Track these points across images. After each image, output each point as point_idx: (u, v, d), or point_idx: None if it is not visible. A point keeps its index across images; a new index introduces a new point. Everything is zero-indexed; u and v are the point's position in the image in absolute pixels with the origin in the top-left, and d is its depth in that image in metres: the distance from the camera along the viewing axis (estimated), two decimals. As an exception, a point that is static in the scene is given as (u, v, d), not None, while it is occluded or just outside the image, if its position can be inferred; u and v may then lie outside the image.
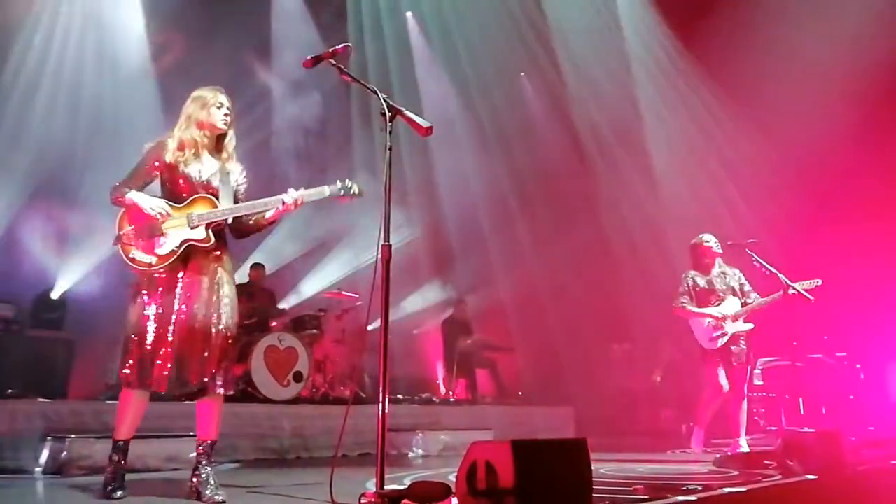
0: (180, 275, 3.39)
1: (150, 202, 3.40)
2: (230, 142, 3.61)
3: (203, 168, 3.51)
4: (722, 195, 8.72)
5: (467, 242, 10.86)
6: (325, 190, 3.48)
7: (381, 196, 3.01)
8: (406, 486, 2.85)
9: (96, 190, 7.84)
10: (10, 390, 5.56)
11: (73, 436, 4.66)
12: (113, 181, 3.49)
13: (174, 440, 4.89)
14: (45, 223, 7.77)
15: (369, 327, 5.39)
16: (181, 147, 3.48)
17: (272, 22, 9.60)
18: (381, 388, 2.80)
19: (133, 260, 3.39)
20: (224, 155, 3.59)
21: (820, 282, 5.69)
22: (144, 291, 3.38)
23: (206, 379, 3.33)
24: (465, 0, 10.28)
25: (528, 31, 10.48)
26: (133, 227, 3.40)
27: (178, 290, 3.37)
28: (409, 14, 10.68)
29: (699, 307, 5.88)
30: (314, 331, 7.66)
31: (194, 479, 3.35)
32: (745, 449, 5.69)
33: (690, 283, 5.97)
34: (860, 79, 8.20)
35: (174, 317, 3.33)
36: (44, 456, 4.60)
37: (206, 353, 3.33)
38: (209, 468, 3.37)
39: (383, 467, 2.76)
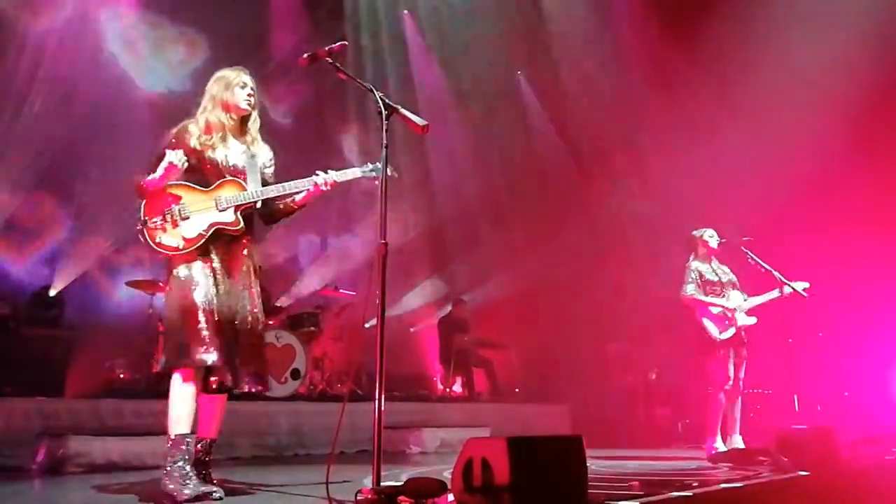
0: (209, 260, 3.29)
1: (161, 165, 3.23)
2: (254, 123, 3.53)
3: (229, 153, 3.42)
4: (716, 194, 8.75)
5: (463, 240, 10.87)
6: (357, 171, 3.40)
7: (377, 194, 3.01)
8: (402, 483, 2.87)
9: (94, 186, 7.88)
10: (6, 388, 5.55)
11: (70, 434, 4.66)
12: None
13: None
14: (43, 219, 7.77)
15: (367, 324, 5.41)
16: (208, 130, 3.40)
17: (268, 18, 9.59)
18: (377, 386, 2.81)
19: (160, 244, 3.28)
20: (248, 138, 3.51)
21: (808, 285, 5.72)
22: (179, 272, 3.26)
23: (234, 375, 3.27)
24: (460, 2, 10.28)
25: (525, 30, 10.50)
26: (162, 210, 3.28)
27: (208, 277, 3.27)
28: (405, 12, 10.68)
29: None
30: (312, 328, 7.67)
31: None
32: (740, 445, 5.70)
33: (696, 273, 5.92)
34: (854, 82, 8.22)
35: (206, 305, 3.22)
36: (41, 454, 4.60)
37: (235, 348, 3.26)
38: (208, 466, 3.36)
39: (380, 464, 2.77)
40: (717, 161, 8.96)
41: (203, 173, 3.37)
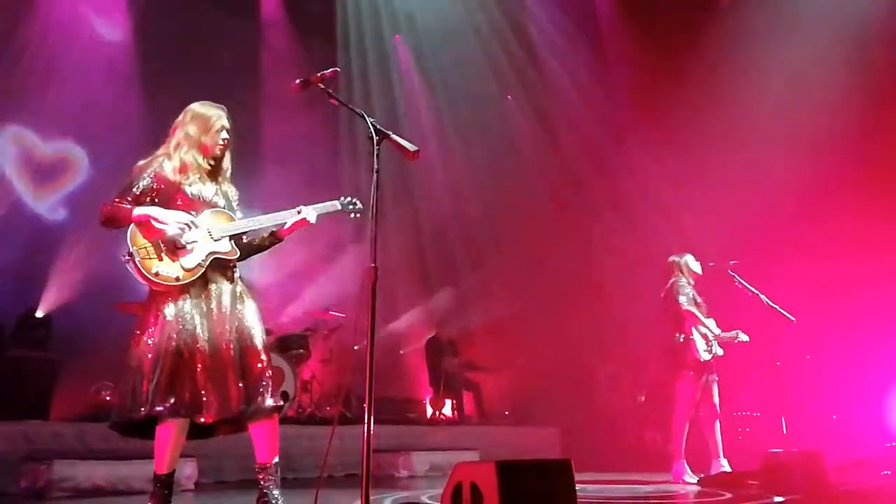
0: (205, 289, 3.22)
1: (171, 216, 3.17)
2: (227, 165, 3.49)
3: (204, 189, 3.35)
4: (703, 221, 8.83)
5: (452, 263, 10.89)
6: (336, 203, 3.55)
7: (368, 218, 3.03)
8: (391, 508, 2.86)
9: (82, 206, 7.85)
10: (-10, 411, 5.49)
11: (54, 458, 4.61)
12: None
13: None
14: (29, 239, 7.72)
15: (355, 347, 5.41)
16: (183, 170, 3.29)
17: (260, 44, 9.66)
18: (367, 409, 2.81)
19: (157, 275, 3.11)
20: (220, 178, 3.46)
21: (747, 338, 5.83)
22: (167, 311, 3.14)
23: (252, 401, 3.17)
24: (450, 28, 10.42)
25: (512, 61, 10.70)
26: (155, 239, 3.15)
27: (204, 307, 3.19)
28: (397, 38, 10.80)
29: None
30: (301, 350, 7.63)
31: None
32: (727, 468, 5.69)
33: (688, 288, 5.88)
34: (842, 107, 8.36)
35: (204, 335, 3.15)
36: (25, 478, 4.54)
37: (246, 374, 3.19)
38: (277, 491, 3.22)
39: (368, 488, 2.76)
40: (705, 187, 9.07)
41: (172, 206, 3.24)
